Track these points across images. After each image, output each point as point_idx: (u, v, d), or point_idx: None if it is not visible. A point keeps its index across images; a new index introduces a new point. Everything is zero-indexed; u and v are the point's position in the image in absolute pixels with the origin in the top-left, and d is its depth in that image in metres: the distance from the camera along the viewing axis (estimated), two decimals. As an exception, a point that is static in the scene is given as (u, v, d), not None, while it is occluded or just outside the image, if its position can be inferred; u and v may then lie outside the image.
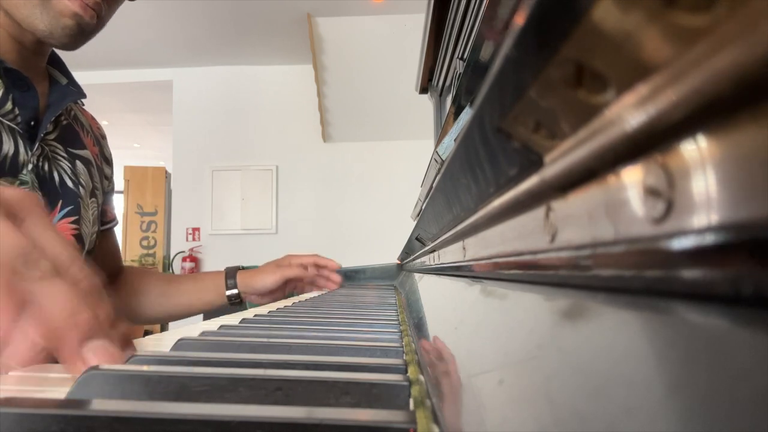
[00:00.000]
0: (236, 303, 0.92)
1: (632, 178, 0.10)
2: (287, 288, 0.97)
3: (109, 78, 4.11)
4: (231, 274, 0.93)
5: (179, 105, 4.15)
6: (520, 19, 0.12)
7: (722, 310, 0.08)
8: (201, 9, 3.23)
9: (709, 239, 0.08)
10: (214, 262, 4.00)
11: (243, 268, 0.96)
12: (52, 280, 0.26)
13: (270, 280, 0.92)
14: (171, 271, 4.10)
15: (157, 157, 6.00)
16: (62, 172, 0.68)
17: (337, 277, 1.02)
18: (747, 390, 0.06)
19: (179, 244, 4.10)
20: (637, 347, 0.09)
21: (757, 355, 0.06)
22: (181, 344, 0.31)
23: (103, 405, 0.17)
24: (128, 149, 5.80)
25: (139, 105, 4.68)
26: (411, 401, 0.19)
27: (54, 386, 0.23)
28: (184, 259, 3.99)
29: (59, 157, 0.69)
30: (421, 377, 0.22)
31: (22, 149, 0.61)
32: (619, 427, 0.08)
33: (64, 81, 0.73)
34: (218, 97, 4.12)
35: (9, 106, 0.61)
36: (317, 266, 1.00)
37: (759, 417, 0.06)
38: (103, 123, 4.70)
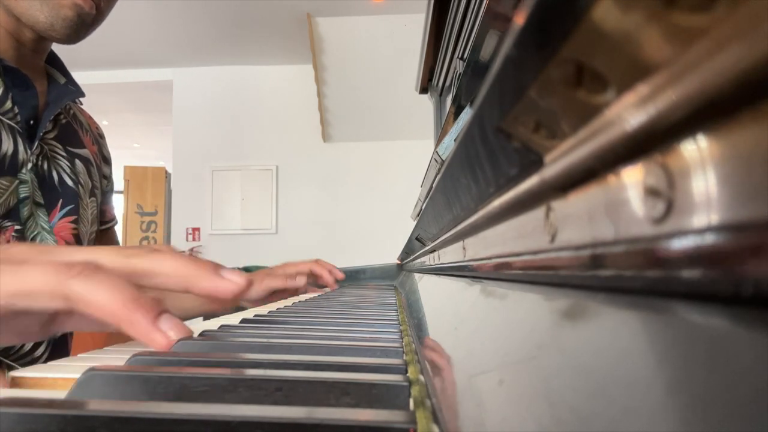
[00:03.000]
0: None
1: (632, 178, 0.10)
2: (286, 294, 0.96)
3: (109, 78, 4.11)
4: None
5: (179, 105, 4.15)
6: (520, 19, 0.12)
7: (722, 310, 0.08)
8: (201, 9, 3.23)
9: (709, 239, 0.08)
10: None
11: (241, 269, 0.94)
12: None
13: (254, 291, 0.91)
14: (171, 271, 4.09)
15: (157, 157, 6.00)
16: (61, 171, 0.68)
17: (338, 275, 1.01)
18: (747, 390, 0.06)
19: (179, 244, 4.10)
20: (637, 347, 0.09)
21: (757, 355, 0.06)
22: (181, 344, 0.31)
23: (103, 405, 0.17)
24: (128, 149, 5.80)
25: (139, 105, 4.67)
26: (411, 401, 0.19)
27: (54, 386, 0.23)
28: (184, 259, 3.98)
29: (58, 156, 0.68)
30: (421, 377, 0.22)
31: (21, 148, 0.61)
32: (619, 427, 0.08)
33: (62, 80, 0.72)
34: (218, 97, 4.12)
35: (8, 104, 0.61)
36: (315, 271, 0.98)
37: (759, 417, 0.06)
38: (103, 123, 4.70)
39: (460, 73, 0.65)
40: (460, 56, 0.70)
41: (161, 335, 0.28)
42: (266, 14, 3.29)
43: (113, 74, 4.13)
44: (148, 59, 4.00)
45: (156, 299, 0.30)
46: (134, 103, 4.60)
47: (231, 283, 0.33)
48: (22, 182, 0.62)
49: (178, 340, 0.31)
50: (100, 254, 0.31)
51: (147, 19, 3.29)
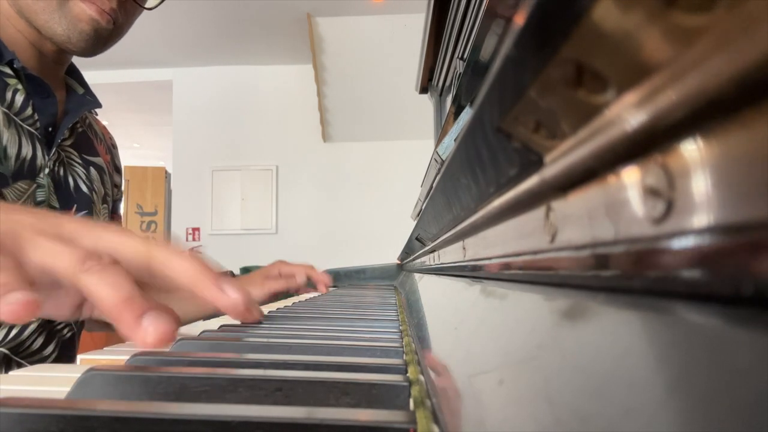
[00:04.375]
0: None
1: (632, 178, 0.10)
2: (278, 296, 0.96)
3: (109, 78, 4.11)
4: None
5: (179, 105, 4.15)
6: (520, 19, 0.12)
7: (722, 310, 0.08)
8: (201, 9, 3.23)
9: (709, 239, 0.08)
10: (214, 262, 3.99)
11: (233, 274, 0.94)
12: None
13: (255, 294, 0.92)
14: (171, 271, 4.09)
15: (157, 157, 5.99)
16: (77, 177, 0.70)
17: (326, 281, 1.00)
18: (747, 390, 0.06)
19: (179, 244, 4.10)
20: (637, 347, 0.09)
21: (757, 355, 0.06)
22: (181, 344, 0.31)
23: (103, 405, 0.17)
24: (128, 149, 5.79)
25: (139, 105, 4.67)
26: (411, 401, 0.19)
27: (54, 386, 0.23)
28: (184, 259, 3.98)
29: (74, 163, 0.70)
30: (421, 377, 0.22)
31: (39, 153, 0.63)
32: (619, 427, 0.08)
33: (81, 91, 0.75)
34: (218, 97, 4.12)
35: (29, 111, 0.62)
36: (313, 277, 0.98)
37: (759, 417, 0.06)
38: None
39: (460, 73, 0.65)
40: (460, 56, 0.70)
41: (141, 332, 0.30)
42: (266, 14, 3.29)
43: (113, 74, 4.13)
44: (148, 59, 4.00)
45: (150, 298, 0.31)
46: (134, 103, 4.60)
47: (230, 301, 0.35)
48: (39, 186, 0.63)
49: (178, 340, 0.31)
50: (127, 240, 0.33)
51: (147, 19, 3.28)
